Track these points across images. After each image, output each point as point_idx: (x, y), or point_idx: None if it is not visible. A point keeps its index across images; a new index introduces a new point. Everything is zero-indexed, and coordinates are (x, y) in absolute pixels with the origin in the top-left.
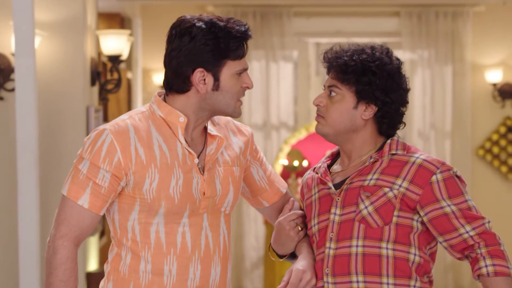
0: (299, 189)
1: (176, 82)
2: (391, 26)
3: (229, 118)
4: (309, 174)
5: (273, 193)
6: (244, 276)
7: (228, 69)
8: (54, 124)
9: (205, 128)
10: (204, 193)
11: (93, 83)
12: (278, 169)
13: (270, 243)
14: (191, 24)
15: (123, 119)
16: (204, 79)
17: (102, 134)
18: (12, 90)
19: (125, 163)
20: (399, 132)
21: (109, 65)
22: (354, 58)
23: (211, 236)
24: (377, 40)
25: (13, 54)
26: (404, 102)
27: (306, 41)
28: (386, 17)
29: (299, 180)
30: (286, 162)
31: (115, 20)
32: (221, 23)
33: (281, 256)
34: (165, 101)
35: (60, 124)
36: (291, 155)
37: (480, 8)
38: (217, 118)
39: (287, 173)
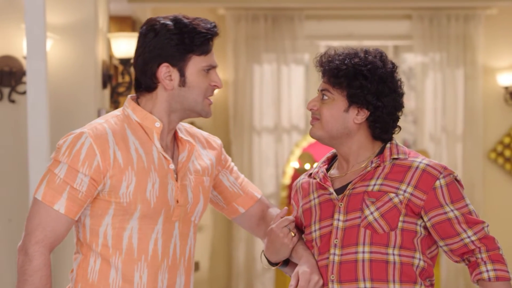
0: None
1: (143, 80)
2: (403, 29)
3: (196, 130)
4: (303, 179)
5: (248, 197)
6: (255, 279)
7: (194, 65)
8: (65, 127)
9: (174, 137)
10: (177, 201)
11: (104, 86)
12: (289, 172)
13: (262, 251)
14: (156, 22)
15: (100, 122)
16: (170, 75)
17: (80, 137)
18: (24, 93)
19: (103, 166)
20: (408, 136)
21: (120, 68)
22: (346, 62)
23: (179, 245)
24: (389, 43)
25: (24, 57)
26: (398, 106)
27: (317, 44)
28: (397, 20)
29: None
30: (297, 165)
31: (126, 23)
32: (186, 20)
33: (273, 264)
34: (138, 104)
35: (72, 127)
36: (302, 158)
37: (492, 11)
38: (185, 130)
39: (298, 176)
